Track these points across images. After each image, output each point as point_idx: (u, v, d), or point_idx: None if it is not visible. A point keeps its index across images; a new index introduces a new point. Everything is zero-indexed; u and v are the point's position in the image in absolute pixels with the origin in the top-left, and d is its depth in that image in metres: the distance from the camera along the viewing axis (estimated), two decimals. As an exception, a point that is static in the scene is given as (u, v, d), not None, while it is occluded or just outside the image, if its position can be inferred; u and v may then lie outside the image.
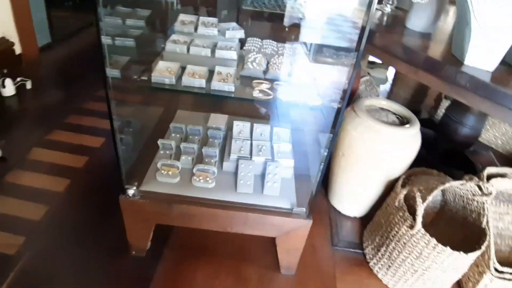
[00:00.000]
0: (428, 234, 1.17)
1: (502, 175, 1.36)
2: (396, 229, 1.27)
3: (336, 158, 1.52)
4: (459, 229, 1.38)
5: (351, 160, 1.44)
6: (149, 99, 1.59)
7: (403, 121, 1.45)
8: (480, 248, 1.15)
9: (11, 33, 2.32)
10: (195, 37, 1.27)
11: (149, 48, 1.31)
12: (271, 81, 1.18)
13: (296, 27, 1.53)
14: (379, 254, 1.35)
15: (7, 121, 2.06)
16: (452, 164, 1.74)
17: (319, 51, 1.40)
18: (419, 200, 1.18)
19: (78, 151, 1.89)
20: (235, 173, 1.25)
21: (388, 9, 1.60)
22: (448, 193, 1.43)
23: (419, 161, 1.46)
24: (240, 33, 1.28)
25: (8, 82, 2.17)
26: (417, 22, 1.33)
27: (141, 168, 1.27)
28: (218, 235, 1.23)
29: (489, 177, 1.34)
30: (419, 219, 1.18)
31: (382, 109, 1.50)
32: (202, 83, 1.10)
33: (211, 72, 1.16)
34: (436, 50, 1.20)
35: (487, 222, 1.20)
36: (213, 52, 1.20)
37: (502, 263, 1.23)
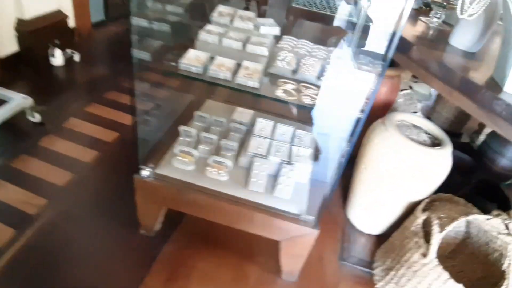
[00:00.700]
0: (441, 266, 1.10)
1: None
2: (409, 254, 1.21)
3: (358, 170, 1.47)
4: (479, 266, 1.29)
5: (373, 175, 1.39)
6: (182, 85, 1.61)
7: (434, 143, 1.37)
8: (496, 291, 1.07)
9: (66, 7, 2.44)
10: (230, 29, 1.26)
11: (185, 35, 1.32)
12: (299, 82, 1.15)
13: (342, 30, 1.49)
14: (388, 277, 1.29)
15: (52, 89, 2.17)
16: (485, 196, 1.63)
17: (357, 58, 1.35)
18: (436, 228, 1.11)
19: (111, 126, 1.96)
20: (250, 170, 1.24)
21: (434, 22, 1.51)
22: (472, 226, 1.33)
23: (449, 186, 1.37)
24: (275, 30, 1.26)
25: (58, 52, 2.29)
26: (461, 39, 1.25)
27: (161, 151, 1.29)
28: (228, 228, 1.23)
29: (521, 217, 1.24)
30: (434, 248, 1.11)
31: (415, 126, 1.43)
32: (227, 75, 1.09)
33: (240, 66, 1.15)
34: (475, 72, 1.12)
35: (509, 265, 1.11)
36: (244, 46, 1.19)
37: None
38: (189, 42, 1.26)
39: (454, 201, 1.37)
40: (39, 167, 1.64)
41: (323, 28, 2.20)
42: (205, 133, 1.33)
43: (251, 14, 1.30)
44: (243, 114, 1.46)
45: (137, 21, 1.49)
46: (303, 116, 1.56)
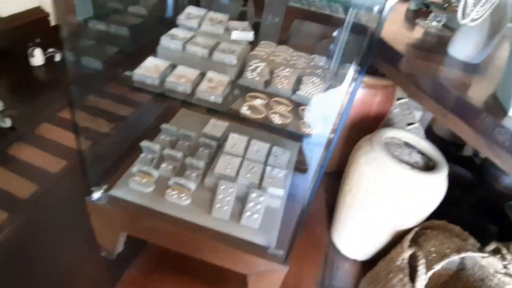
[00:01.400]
0: (427, 309, 0.96)
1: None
2: (394, 291, 1.07)
3: (343, 191, 1.32)
4: (473, 305, 1.15)
5: (358, 198, 1.24)
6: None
7: (428, 165, 1.22)
8: None
9: (48, 3, 2.32)
10: (197, 34, 1.12)
11: (146, 40, 1.19)
12: (272, 95, 1.01)
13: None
14: (371, 313, 1.16)
15: (28, 91, 2.05)
16: (485, 215, 1.48)
17: (342, 68, 1.20)
18: (422, 269, 0.97)
19: (85, 134, 1.83)
20: (215, 193, 1.11)
21: (433, 27, 1.35)
22: (468, 257, 1.19)
23: (447, 204, 1.23)
24: (249, 35, 1.12)
25: (38, 51, 2.17)
26: (461, 48, 1.08)
27: (119, 169, 1.17)
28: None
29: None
30: (419, 289, 0.97)
31: (407, 144, 1.28)
32: (187, 88, 0.96)
33: (203, 77, 1.02)
34: (476, 88, 0.96)
35: (506, 310, 0.97)
36: (211, 53, 1.05)
37: None
38: (151, 48, 1.13)
39: (448, 229, 1.22)
40: (3, 176, 1.53)
41: (319, 30, 2.05)
42: (170, 149, 1.19)
43: (222, 16, 1.16)
44: (216, 126, 1.33)
45: (93, 24, 1.36)
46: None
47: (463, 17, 1.02)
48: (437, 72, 1.00)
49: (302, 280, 1.31)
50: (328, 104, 1.03)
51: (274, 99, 1.01)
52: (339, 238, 1.42)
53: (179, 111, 1.46)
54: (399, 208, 1.18)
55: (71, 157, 1.67)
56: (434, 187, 1.14)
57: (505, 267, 1.00)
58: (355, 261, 1.40)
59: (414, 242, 1.17)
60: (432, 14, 1.45)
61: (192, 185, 1.09)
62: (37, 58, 2.18)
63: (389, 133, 1.26)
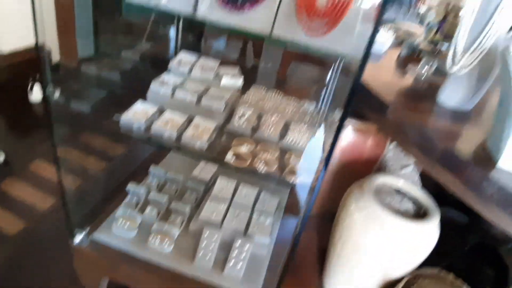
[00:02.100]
0: None
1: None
2: None
3: (333, 239, 1.29)
4: None
5: (348, 246, 1.21)
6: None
7: (419, 212, 1.20)
8: None
9: (51, 40, 2.39)
10: (188, 80, 1.14)
11: (137, 85, 1.21)
12: (259, 142, 1.01)
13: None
14: None
15: (24, 126, 2.08)
16: (481, 260, 1.44)
17: (331, 114, 1.21)
18: (411, 326, 0.93)
19: (76, 172, 1.83)
20: (199, 240, 1.08)
21: (423, 74, 1.36)
22: (463, 312, 1.14)
23: (441, 249, 1.19)
24: (238, 82, 1.13)
25: (37, 88, 2.21)
26: (451, 96, 1.08)
27: (103, 211, 1.15)
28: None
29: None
30: None
31: (398, 191, 1.26)
32: (172, 134, 0.96)
33: (190, 124, 1.02)
34: (465, 138, 0.95)
35: None
36: (200, 99, 1.06)
37: None
38: (142, 92, 1.14)
39: (440, 278, 1.18)
40: (-8, 214, 1.52)
41: (314, 74, 2.08)
42: (156, 193, 1.18)
43: (213, 62, 1.18)
44: (205, 169, 1.32)
45: (85, 68, 1.39)
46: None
47: (453, 65, 1.03)
48: (425, 121, 1.00)
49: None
50: (314, 151, 1.02)
51: (261, 145, 1.00)
52: (329, 286, 1.37)
53: (169, 152, 1.45)
54: (390, 257, 1.14)
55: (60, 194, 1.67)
56: (425, 235, 1.11)
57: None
58: (346, 311, 1.35)
59: (405, 294, 1.13)
60: (423, 61, 1.47)
61: (176, 231, 1.07)
62: (36, 94, 2.22)
63: (380, 179, 1.25)
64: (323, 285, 1.41)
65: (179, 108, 1.05)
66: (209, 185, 1.28)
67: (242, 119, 1.03)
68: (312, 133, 1.04)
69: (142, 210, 1.14)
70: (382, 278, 1.20)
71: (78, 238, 1.05)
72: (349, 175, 1.43)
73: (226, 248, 1.08)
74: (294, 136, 1.01)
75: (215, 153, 0.95)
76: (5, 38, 2.07)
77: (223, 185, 1.23)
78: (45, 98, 0.89)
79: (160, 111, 1.04)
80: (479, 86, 1.07)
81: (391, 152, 1.71)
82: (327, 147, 0.79)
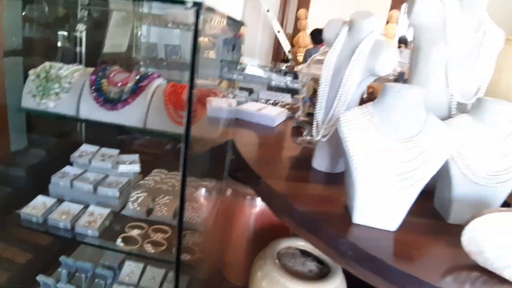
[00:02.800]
0: None
1: None
2: None
3: (248, 309, 1.31)
4: None
5: (260, 314, 1.24)
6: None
7: (323, 271, 1.26)
8: None
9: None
10: (87, 170, 1.21)
11: (41, 179, 1.26)
12: (153, 224, 1.07)
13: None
14: None
15: None
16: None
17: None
18: None
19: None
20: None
21: (306, 142, 1.50)
22: None
23: None
24: (135, 168, 1.22)
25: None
26: (321, 161, 1.19)
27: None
28: None
29: None
30: None
31: (303, 252, 1.33)
32: (67, 224, 1.01)
33: (84, 212, 1.07)
34: (329, 199, 1.03)
35: None
36: (96, 188, 1.13)
37: None
38: (45, 187, 1.19)
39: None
40: None
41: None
42: (64, 284, 1.18)
43: (113, 151, 1.27)
44: (114, 254, 1.33)
45: None
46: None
47: (317, 134, 1.16)
48: (295, 186, 1.08)
49: None
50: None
51: (154, 226, 1.06)
52: None
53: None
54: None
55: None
56: (326, 296, 1.16)
57: None
58: None
59: None
60: (305, 131, 1.61)
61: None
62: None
63: (285, 243, 1.31)
64: None
65: (79, 198, 1.11)
66: (118, 270, 1.29)
67: (136, 203, 1.10)
68: (204, 209, 1.11)
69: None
70: None
71: None
72: (263, 244, 1.48)
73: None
74: (187, 215, 1.08)
75: (106, 239, 1.00)
76: None
77: (131, 269, 1.25)
78: None
79: (60, 202, 1.09)
80: (341, 151, 1.19)
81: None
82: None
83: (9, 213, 1.09)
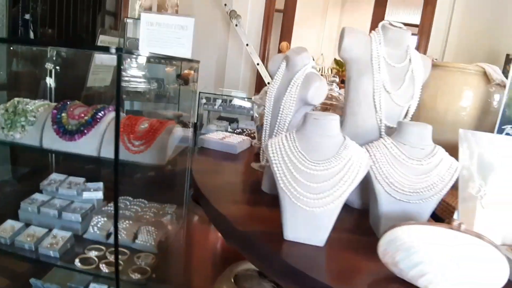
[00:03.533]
0: None
1: None
2: None
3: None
4: None
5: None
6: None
7: (281, 291, 1.30)
8: None
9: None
10: (56, 196, 1.27)
11: (12, 206, 1.32)
12: (112, 246, 1.12)
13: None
14: None
15: None
16: None
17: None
18: None
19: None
20: None
21: (262, 167, 1.56)
22: None
23: None
24: (99, 195, 1.28)
25: None
26: (266, 183, 1.25)
27: None
28: None
29: None
30: None
31: (261, 273, 1.37)
32: (31, 246, 1.06)
33: (48, 235, 1.13)
34: (268, 219, 1.05)
35: None
36: (60, 213, 1.19)
37: None
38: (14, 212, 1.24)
39: None
40: None
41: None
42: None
43: (79, 179, 1.33)
44: (81, 276, 1.37)
45: None
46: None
47: (262, 158, 1.22)
48: (240, 208, 1.07)
49: None
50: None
51: (112, 249, 1.11)
52: None
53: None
54: None
55: None
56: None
57: None
58: None
59: None
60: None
61: None
62: None
63: (243, 266, 1.36)
64: None
65: (43, 222, 1.16)
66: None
67: (95, 227, 1.15)
68: (161, 233, 1.16)
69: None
70: None
71: None
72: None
73: None
74: (144, 238, 1.13)
75: (66, 260, 1.05)
76: None
77: (95, 293, 1.28)
78: None
79: (27, 226, 1.15)
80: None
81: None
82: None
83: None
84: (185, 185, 1.23)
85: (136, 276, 1.01)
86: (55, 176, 1.36)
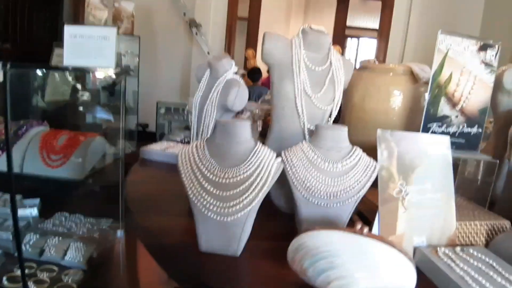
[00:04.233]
0: None
1: None
2: None
3: None
4: None
5: None
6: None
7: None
8: None
9: None
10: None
11: None
12: (44, 263, 1.07)
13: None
14: None
15: None
16: None
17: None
18: None
19: None
20: None
21: None
22: None
23: None
24: (34, 212, 1.23)
25: None
26: None
27: None
28: None
29: None
30: None
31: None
32: None
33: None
34: (190, 230, 1.03)
35: None
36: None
37: None
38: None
39: None
40: None
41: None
42: None
43: (16, 197, 1.28)
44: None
45: None
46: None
47: None
48: (166, 220, 1.03)
49: None
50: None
51: (43, 266, 1.07)
52: None
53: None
54: None
55: None
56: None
57: None
58: None
59: None
60: None
61: None
62: None
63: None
64: None
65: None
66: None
67: (28, 245, 1.10)
68: (91, 249, 1.12)
69: None
70: None
71: None
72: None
73: None
74: (72, 255, 1.09)
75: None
76: None
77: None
78: None
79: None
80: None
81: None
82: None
83: None
84: (120, 198, 1.19)
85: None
86: (-4, 199, 1.30)
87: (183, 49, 3.97)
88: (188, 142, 1.73)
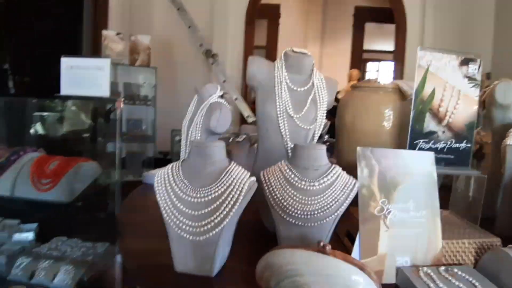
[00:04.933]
0: None
1: None
2: None
3: None
4: None
5: None
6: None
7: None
8: None
9: None
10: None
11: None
12: (35, 286, 1.10)
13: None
14: None
15: None
16: None
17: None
18: None
19: None
20: None
21: None
22: None
23: None
24: (29, 236, 1.27)
25: None
26: None
27: None
28: None
29: None
30: None
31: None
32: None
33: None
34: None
35: None
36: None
37: None
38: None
39: None
40: None
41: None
42: None
43: (13, 222, 1.33)
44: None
45: None
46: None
47: None
48: (152, 242, 1.06)
49: None
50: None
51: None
52: None
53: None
54: None
55: None
56: None
57: None
58: None
59: None
60: None
61: None
62: None
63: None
64: None
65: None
66: None
67: (18, 268, 1.14)
68: (80, 272, 1.14)
69: None
70: None
71: None
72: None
73: None
74: (63, 278, 1.11)
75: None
76: None
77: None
78: None
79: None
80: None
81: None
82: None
83: None
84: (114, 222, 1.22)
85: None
86: (-12, 220, 1.37)
87: (202, 78, 4.08)
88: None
